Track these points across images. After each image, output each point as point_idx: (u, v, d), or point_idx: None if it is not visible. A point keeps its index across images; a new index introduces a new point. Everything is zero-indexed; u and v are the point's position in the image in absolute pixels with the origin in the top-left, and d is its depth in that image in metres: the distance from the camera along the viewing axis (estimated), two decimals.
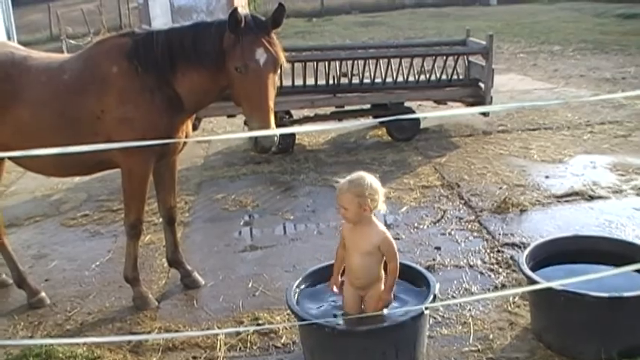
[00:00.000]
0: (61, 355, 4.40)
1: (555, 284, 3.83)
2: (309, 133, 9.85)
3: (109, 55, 4.81)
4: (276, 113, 9.01)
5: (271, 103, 4.48)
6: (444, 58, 9.37)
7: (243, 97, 4.51)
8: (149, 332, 4.79)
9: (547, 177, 7.53)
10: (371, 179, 3.96)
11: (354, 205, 3.90)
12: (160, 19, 27.38)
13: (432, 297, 3.94)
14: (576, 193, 6.94)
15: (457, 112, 3.93)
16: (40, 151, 3.02)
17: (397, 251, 3.98)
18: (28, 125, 4.82)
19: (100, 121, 4.72)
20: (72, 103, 4.75)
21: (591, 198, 6.83)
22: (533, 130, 9.60)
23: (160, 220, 6.51)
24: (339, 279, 4.17)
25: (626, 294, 3.93)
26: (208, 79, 4.67)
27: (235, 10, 4.32)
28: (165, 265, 5.70)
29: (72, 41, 20.86)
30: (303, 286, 4.31)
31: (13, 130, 4.84)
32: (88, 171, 5.45)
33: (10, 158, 5.11)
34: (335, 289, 4.16)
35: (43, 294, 5.39)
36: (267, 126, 4.41)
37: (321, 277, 4.40)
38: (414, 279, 4.26)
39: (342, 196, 3.94)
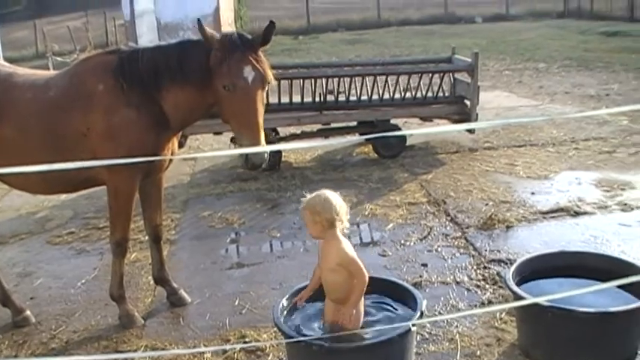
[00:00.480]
0: None
1: (542, 299, 3.84)
2: (296, 150, 9.86)
3: (94, 73, 4.81)
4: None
5: (261, 120, 4.50)
6: (430, 75, 9.42)
7: (231, 115, 4.54)
8: (135, 350, 4.75)
9: (533, 193, 7.56)
10: (327, 196, 3.95)
11: (310, 222, 3.98)
12: (147, 36, 27.39)
13: (419, 314, 3.93)
14: (562, 209, 6.98)
15: (443, 129, 3.92)
16: (25, 169, 3.00)
17: (362, 268, 3.92)
18: (12, 142, 4.78)
19: (86, 139, 4.71)
20: (57, 120, 4.74)
21: (577, 214, 6.87)
22: (519, 146, 9.65)
23: (146, 237, 6.50)
24: (309, 294, 4.20)
25: (613, 309, 3.96)
26: (194, 96, 4.68)
27: (201, 25, 4.42)
28: (152, 282, 5.67)
29: (58, 58, 20.79)
30: (291, 304, 4.30)
31: None
32: (73, 188, 5.40)
33: None
34: (300, 302, 4.19)
35: (28, 312, 5.34)
36: (257, 143, 4.44)
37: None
38: (400, 296, 4.25)
39: (301, 213, 4.08)
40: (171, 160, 5.25)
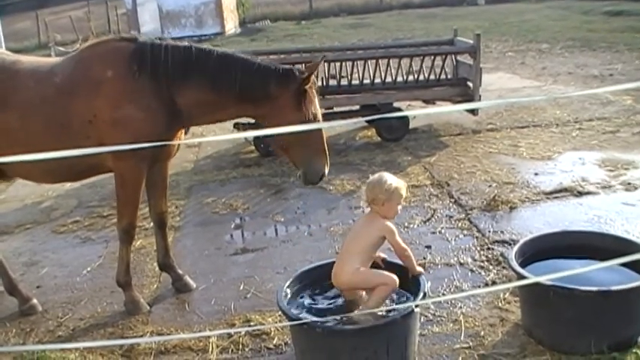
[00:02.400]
0: None
1: (544, 279, 3.84)
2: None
3: (103, 59, 4.79)
4: None
5: None
6: (432, 57, 9.40)
7: (303, 144, 4.75)
8: (141, 336, 4.77)
9: (536, 174, 7.56)
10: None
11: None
12: (149, 25, 27.44)
13: (422, 295, 3.95)
14: (565, 190, 6.98)
15: (444, 109, 3.94)
16: (29, 156, 2.99)
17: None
18: (16, 129, 4.77)
19: (92, 126, 4.69)
20: (62, 106, 4.72)
21: (580, 194, 6.87)
22: (522, 127, 9.64)
23: (151, 224, 6.52)
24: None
25: (614, 287, 3.96)
26: (227, 108, 4.85)
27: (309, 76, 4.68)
28: (157, 269, 5.69)
29: (61, 48, 20.82)
30: (299, 286, 4.33)
31: (1, 135, 4.80)
32: (77, 177, 5.40)
33: None
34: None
35: (34, 301, 5.38)
36: (326, 165, 4.90)
37: (311, 277, 4.42)
38: (404, 277, 4.26)
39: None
40: (178, 147, 5.26)
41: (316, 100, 4.83)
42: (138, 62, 4.67)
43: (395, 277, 4.06)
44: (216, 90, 4.74)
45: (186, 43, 4.88)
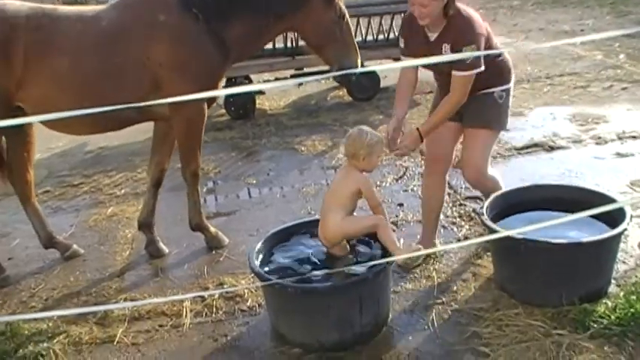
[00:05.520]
0: (26, 331, 4.37)
1: (515, 232, 3.86)
2: (271, 97, 9.80)
3: (152, 3, 4.81)
4: (235, 78, 8.97)
5: None
6: (402, 15, 9.28)
7: (335, 40, 5.02)
8: (115, 303, 4.74)
9: (508, 130, 7.50)
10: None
11: None
12: None
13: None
14: (537, 145, 7.01)
15: (412, 62, 3.84)
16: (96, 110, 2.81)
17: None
18: (65, 75, 4.68)
19: (146, 69, 4.69)
20: (113, 50, 4.69)
21: (551, 149, 6.90)
22: None
23: (122, 191, 6.47)
24: None
25: (585, 239, 3.99)
26: (268, 30, 4.98)
27: None
28: (129, 236, 5.66)
29: None
30: (271, 247, 4.33)
31: (49, 81, 4.69)
32: (125, 125, 5.22)
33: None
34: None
35: (6, 272, 5.31)
36: (358, 58, 5.19)
37: (284, 238, 4.42)
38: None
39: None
40: None
41: None
42: (186, 4, 4.71)
43: (380, 216, 4.10)
44: (256, 16, 4.82)
45: None
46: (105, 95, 4.58)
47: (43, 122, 4.76)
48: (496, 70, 4.47)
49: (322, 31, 4.99)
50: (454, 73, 4.28)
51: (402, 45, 4.64)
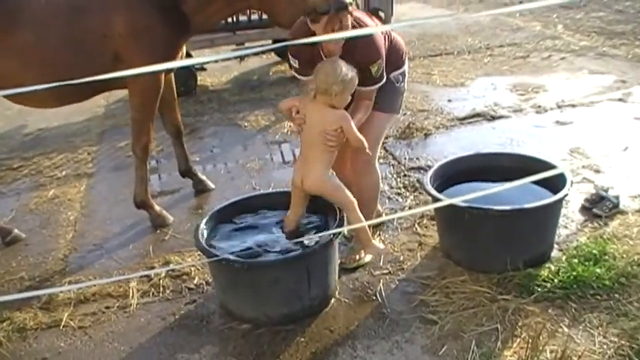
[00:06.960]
0: None
1: (459, 200, 3.89)
2: (213, 74, 9.69)
3: None
4: None
5: None
6: None
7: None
8: (59, 287, 4.64)
9: (449, 101, 7.63)
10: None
11: None
12: None
13: (339, 222, 3.96)
14: (478, 115, 7.08)
15: (353, 33, 3.81)
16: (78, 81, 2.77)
17: None
18: (30, 48, 4.66)
19: (107, 39, 4.68)
20: (75, 22, 4.67)
21: (493, 118, 6.98)
22: (435, 56, 9.70)
23: (63, 173, 6.32)
24: None
25: (527, 205, 4.05)
26: (229, 3, 4.91)
27: None
28: (72, 218, 5.55)
29: None
30: (217, 223, 4.29)
31: (13, 55, 4.65)
32: (88, 97, 5.23)
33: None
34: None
35: None
36: None
37: (229, 214, 4.38)
38: (323, 208, 4.25)
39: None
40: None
41: None
42: None
43: (355, 201, 4.05)
44: None
45: None
46: (69, 68, 4.51)
47: (9, 97, 4.78)
48: (389, 56, 4.30)
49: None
50: (361, 88, 4.07)
51: (295, 65, 4.28)
